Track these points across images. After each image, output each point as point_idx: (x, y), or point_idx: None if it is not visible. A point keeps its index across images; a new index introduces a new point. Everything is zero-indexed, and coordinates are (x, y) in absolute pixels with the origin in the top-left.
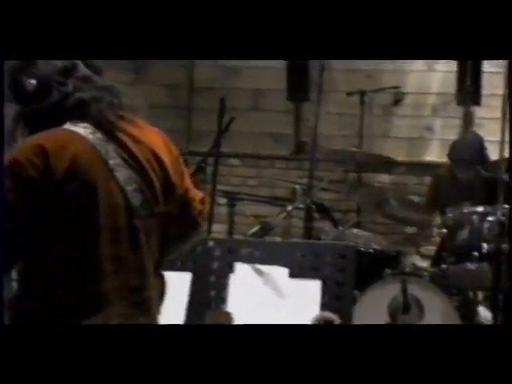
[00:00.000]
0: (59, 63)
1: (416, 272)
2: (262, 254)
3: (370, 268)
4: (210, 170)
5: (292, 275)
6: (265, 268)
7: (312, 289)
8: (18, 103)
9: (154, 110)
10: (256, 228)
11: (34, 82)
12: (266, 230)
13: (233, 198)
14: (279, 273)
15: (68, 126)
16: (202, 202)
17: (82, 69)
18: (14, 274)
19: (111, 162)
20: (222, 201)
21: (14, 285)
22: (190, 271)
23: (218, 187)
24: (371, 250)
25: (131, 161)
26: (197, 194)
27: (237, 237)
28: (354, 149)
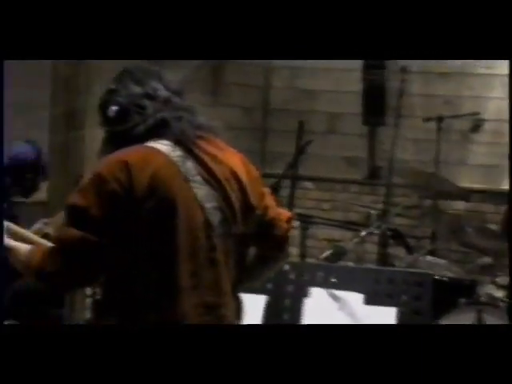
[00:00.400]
0: (140, 90)
1: (492, 302)
2: (338, 278)
3: (444, 297)
4: (283, 192)
5: (367, 302)
6: (340, 293)
7: (387, 316)
8: (104, 127)
9: (230, 132)
10: (329, 252)
11: (115, 108)
12: (339, 254)
13: (306, 221)
14: (354, 299)
15: (150, 143)
16: (289, 221)
17: (163, 92)
18: (88, 290)
19: (191, 178)
20: (295, 223)
21: (88, 301)
22: (264, 294)
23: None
24: (446, 279)
25: (210, 179)
26: (283, 214)
27: (309, 260)
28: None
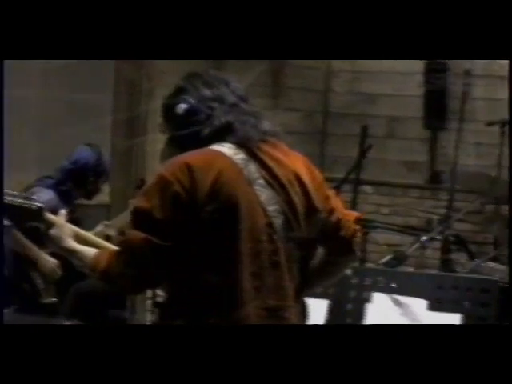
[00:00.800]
0: (209, 92)
1: None
2: (401, 284)
3: (506, 303)
4: (342, 196)
5: (430, 308)
6: (403, 299)
7: (451, 322)
8: (170, 127)
9: (289, 135)
10: (389, 257)
11: (184, 106)
12: (399, 259)
13: (366, 226)
14: (417, 305)
15: (214, 146)
16: (357, 221)
17: (229, 96)
18: (148, 292)
19: (254, 181)
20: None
21: (148, 303)
22: (326, 298)
23: None
24: (508, 285)
25: (273, 182)
26: (350, 215)
27: (369, 265)
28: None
